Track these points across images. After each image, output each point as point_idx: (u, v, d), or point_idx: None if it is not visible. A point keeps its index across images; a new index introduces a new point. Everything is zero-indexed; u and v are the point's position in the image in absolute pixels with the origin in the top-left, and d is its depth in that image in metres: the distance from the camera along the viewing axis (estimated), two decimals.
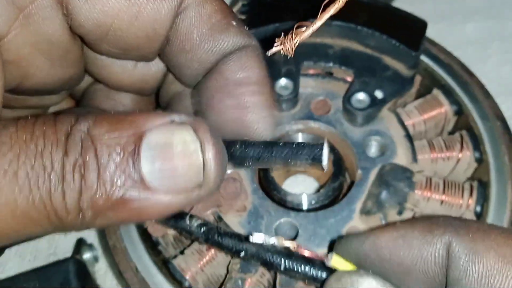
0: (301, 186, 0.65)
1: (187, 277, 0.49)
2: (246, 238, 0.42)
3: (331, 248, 0.42)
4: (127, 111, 0.44)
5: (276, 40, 0.52)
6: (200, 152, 0.34)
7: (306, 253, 0.41)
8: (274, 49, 0.52)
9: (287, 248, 0.45)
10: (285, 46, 0.48)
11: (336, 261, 0.39)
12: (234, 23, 0.41)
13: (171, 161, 0.34)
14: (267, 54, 0.52)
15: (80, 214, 0.32)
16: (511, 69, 0.71)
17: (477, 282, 0.33)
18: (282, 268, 0.45)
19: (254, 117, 0.41)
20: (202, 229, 0.47)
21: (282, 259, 0.45)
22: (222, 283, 0.50)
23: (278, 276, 0.48)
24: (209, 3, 0.40)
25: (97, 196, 0.32)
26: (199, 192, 0.35)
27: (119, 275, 0.48)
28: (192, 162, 0.34)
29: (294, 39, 0.48)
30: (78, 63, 0.43)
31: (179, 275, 0.49)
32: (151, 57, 0.43)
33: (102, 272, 0.64)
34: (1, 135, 0.31)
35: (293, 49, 0.49)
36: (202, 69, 0.42)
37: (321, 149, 0.35)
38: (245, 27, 0.43)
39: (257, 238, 0.39)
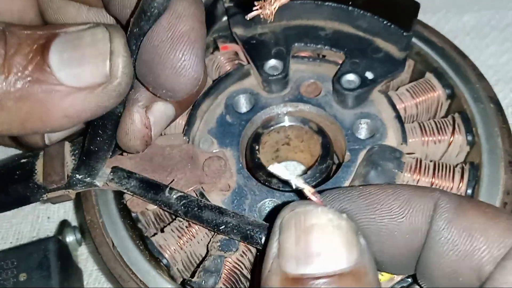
0: (293, 170, 0.64)
1: (166, 255, 0.48)
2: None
3: None
4: None
5: (255, 4, 0.52)
6: (108, 40, 0.34)
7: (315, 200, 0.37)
8: (253, 13, 0.51)
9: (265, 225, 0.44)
10: (264, 9, 0.47)
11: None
12: None
13: (80, 49, 0.34)
14: (246, 17, 0.52)
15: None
16: (508, 58, 0.70)
17: (458, 234, 0.32)
18: (262, 241, 0.43)
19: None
20: (182, 202, 0.46)
21: (263, 234, 0.43)
22: (201, 262, 0.48)
23: (260, 255, 0.46)
24: None
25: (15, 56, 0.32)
26: (106, 86, 0.35)
27: (95, 251, 0.47)
28: (98, 49, 0.34)
29: (273, 3, 0.47)
30: None
31: (157, 252, 0.48)
32: None
33: (84, 257, 0.63)
34: None
35: (273, 14, 0.48)
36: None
37: None
38: None
39: (276, 169, 0.36)
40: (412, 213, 0.35)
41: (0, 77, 0.32)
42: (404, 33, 0.54)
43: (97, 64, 0.34)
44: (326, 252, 0.32)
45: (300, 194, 0.42)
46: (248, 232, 0.44)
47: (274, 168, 0.37)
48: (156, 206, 0.48)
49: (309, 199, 0.36)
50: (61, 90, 0.33)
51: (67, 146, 0.50)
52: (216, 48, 0.62)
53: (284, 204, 0.36)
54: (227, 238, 0.47)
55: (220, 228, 0.44)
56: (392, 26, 0.55)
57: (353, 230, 0.33)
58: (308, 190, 0.37)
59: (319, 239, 0.32)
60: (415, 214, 0.35)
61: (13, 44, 0.32)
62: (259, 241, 0.43)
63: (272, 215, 0.42)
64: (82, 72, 0.34)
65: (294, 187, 0.37)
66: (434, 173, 0.50)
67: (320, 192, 0.39)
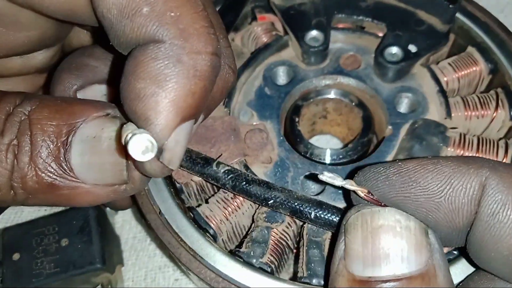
0: (326, 144, 0.64)
1: (212, 225, 0.48)
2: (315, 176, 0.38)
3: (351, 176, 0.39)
4: (71, 98, 0.42)
5: None
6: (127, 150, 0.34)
7: (372, 200, 0.36)
8: None
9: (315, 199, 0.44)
10: None
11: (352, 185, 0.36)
12: (144, 10, 0.34)
13: (99, 156, 0.35)
14: None
15: (12, 192, 0.34)
16: None
17: None
18: (312, 217, 0.43)
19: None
20: (230, 176, 0.46)
21: (312, 208, 0.44)
22: (247, 233, 0.49)
23: (306, 226, 0.47)
24: None
25: (27, 177, 0.34)
26: (125, 188, 0.37)
27: (141, 219, 0.47)
28: (116, 160, 0.36)
29: None
30: (39, 25, 0.42)
31: (204, 222, 0.48)
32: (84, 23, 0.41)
33: (119, 225, 0.63)
34: None
35: None
36: (126, 45, 0.36)
37: None
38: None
39: (326, 177, 0.35)
40: (452, 193, 0.33)
41: (29, 174, 0.34)
42: (450, 6, 0.53)
43: (116, 172, 0.36)
44: (394, 254, 0.31)
45: (345, 191, 0.40)
46: (298, 207, 0.44)
47: (324, 177, 0.35)
48: (201, 178, 0.48)
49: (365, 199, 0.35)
50: (84, 187, 0.36)
51: None
52: (254, 18, 0.61)
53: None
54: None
55: (269, 202, 0.44)
56: None
57: (422, 231, 0.32)
58: (362, 192, 0.35)
59: (387, 241, 0.31)
60: (455, 194, 0.33)
61: (38, 142, 0.34)
62: (309, 215, 0.43)
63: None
64: (103, 177, 0.36)
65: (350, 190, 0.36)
66: (478, 148, 0.50)
67: (358, 168, 0.38)
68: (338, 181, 0.35)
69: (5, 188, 0.34)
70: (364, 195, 0.35)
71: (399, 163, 0.35)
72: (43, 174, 0.34)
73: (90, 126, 0.35)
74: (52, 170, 0.34)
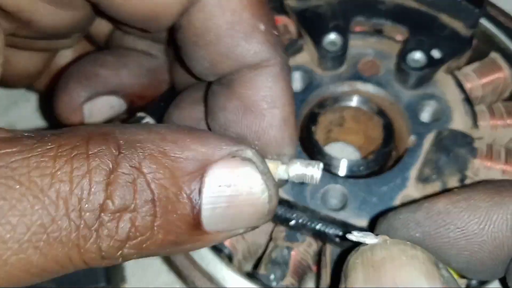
0: (340, 153, 0.61)
1: (227, 244, 0.45)
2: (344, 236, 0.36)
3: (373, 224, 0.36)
4: (175, 132, 0.30)
5: None
6: (267, 202, 0.29)
7: None
8: None
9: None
10: None
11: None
12: (262, 26, 0.34)
13: (235, 207, 0.29)
14: None
15: (120, 259, 0.27)
16: None
17: None
18: (336, 240, 0.40)
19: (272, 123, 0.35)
20: None
21: (338, 230, 0.41)
22: (263, 252, 0.46)
23: (328, 245, 0.44)
24: None
25: (148, 242, 0.27)
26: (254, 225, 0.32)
27: None
28: (257, 210, 0.30)
29: None
30: (84, 5, 0.38)
31: None
32: (156, 32, 0.39)
33: None
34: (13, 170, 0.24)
35: None
36: (213, 73, 0.36)
37: None
38: (275, 32, 0.35)
39: (357, 236, 0.31)
40: (494, 229, 0.30)
41: (150, 238, 0.27)
42: (476, 10, 0.51)
43: (251, 220, 0.30)
44: (404, 284, 0.27)
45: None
46: (321, 228, 0.41)
47: (354, 237, 0.31)
48: None
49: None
50: (208, 240, 0.30)
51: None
52: None
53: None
54: None
55: (290, 224, 0.41)
56: (463, 1, 0.51)
57: (432, 261, 0.29)
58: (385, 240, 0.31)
59: (393, 272, 0.28)
60: (498, 230, 0.30)
61: (161, 199, 0.27)
62: (332, 238, 0.41)
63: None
64: (233, 227, 0.30)
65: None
66: (506, 159, 0.47)
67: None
68: (370, 239, 0.31)
69: (112, 258, 0.27)
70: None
71: (426, 205, 0.32)
72: (167, 236, 0.28)
73: (220, 174, 0.28)
74: (177, 230, 0.28)
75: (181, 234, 0.28)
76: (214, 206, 0.28)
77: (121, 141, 0.27)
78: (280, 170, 0.34)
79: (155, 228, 0.27)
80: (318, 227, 0.41)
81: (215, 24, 0.33)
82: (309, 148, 0.51)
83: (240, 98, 0.35)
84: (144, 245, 0.27)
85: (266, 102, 0.34)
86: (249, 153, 0.30)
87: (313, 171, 0.34)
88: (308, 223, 0.41)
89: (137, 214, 0.26)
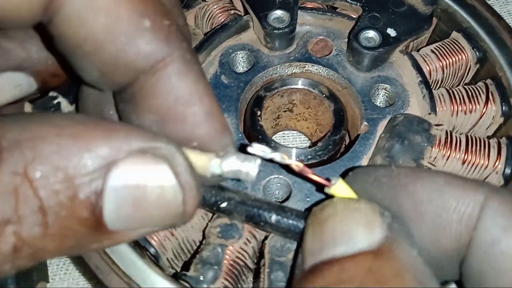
0: (291, 142, 0.56)
1: (154, 242, 0.40)
2: (244, 148, 0.32)
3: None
4: (77, 124, 0.27)
5: None
6: (181, 202, 0.27)
7: (313, 177, 0.33)
8: None
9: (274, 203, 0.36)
10: None
11: (338, 188, 0.32)
12: (147, 22, 0.28)
13: (144, 210, 0.27)
14: None
15: (12, 271, 0.25)
16: None
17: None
18: (272, 221, 0.36)
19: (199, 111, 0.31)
20: None
21: (272, 212, 0.36)
22: (196, 251, 0.41)
23: (268, 243, 0.39)
24: None
25: (40, 252, 0.25)
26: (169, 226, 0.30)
27: None
28: (169, 212, 0.27)
29: None
30: None
31: (143, 240, 0.39)
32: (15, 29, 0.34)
33: None
34: None
35: None
36: (107, 83, 0.31)
37: None
38: (166, 22, 0.29)
39: (256, 149, 0.31)
40: (440, 204, 0.29)
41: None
42: None
43: (163, 221, 0.28)
44: (341, 235, 0.28)
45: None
46: (255, 210, 0.36)
47: (253, 149, 0.31)
48: None
49: (303, 175, 0.33)
50: (117, 238, 0.28)
51: (28, 107, 0.40)
52: None
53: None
54: (228, 223, 0.39)
55: (221, 206, 0.36)
56: None
57: (375, 211, 0.29)
58: (296, 166, 0.33)
59: (333, 225, 0.29)
60: (444, 206, 0.29)
61: (50, 204, 0.24)
62: (268, 220, 0.36)
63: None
64: (144, 227, 0.28)
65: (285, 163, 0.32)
66: (467, 148, 0.43)
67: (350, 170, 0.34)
68: (269, 154, 0.32)
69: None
70: (300, 169, 0.32)
71: (393, 167, 0.32)
72: (65, 241, 0.26)
73: (126, 172, 0.26)
74: (75, 231, 0.26)
75: (82, 237, 0.26)
76: (118, 207, 0.26)
77: (4, 142, 0.23)
78: (213, 165, 0.31)
79: (48, 236, 0.25)
80: (249, 208, 0.36)
81: (89, 31, 0.28)
82: (254, 135, 0.46)
83: (151, 111, 0.30)
84: (37, 255, 0.25)
85: (180, 104, 0.30)
86: (163, 149, 0.26)
87: (249, 167, 0.31)
88: (240, 204, 0.36)
89: (21, 226, 0.24)
